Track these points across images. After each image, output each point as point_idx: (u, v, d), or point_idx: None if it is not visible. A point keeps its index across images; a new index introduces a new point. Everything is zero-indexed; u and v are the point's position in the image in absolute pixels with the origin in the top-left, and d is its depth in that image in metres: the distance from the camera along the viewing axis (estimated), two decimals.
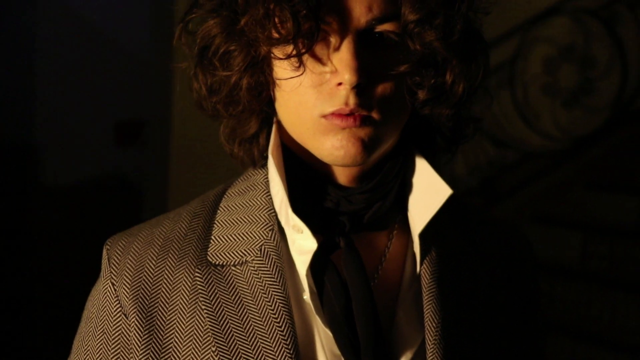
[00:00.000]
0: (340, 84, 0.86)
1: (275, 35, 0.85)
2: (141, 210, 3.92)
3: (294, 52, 0.85)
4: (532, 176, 4.46)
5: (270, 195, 0.96)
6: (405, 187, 0.97)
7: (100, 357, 0.95)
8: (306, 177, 0.94)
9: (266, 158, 0.99)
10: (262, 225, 0.95)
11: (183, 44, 0.95)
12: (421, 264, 0.96)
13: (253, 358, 0.89)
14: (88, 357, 0.96)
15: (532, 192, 4.41)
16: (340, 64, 0.85)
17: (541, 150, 4.47)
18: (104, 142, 5.29)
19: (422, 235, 0.95)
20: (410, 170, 0.97)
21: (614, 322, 3.53)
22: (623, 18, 4.56)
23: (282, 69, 0.88)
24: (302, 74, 0.87)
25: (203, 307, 0.92)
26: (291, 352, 0.89)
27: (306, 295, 0.93)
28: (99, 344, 0.95)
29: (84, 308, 1.01)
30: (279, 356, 0.89)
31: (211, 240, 0.96)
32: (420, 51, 0.88)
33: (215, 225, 0.97)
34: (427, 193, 0.95)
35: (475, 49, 0.92)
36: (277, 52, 0.87)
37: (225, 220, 0.97)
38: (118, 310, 0.94)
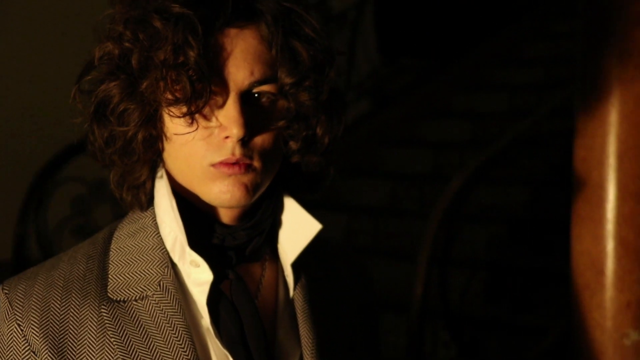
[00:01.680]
0: (227, 137, 0.97)
1: (171, 97, 0.96)
2: None
3: (191, 110, 0.96)
4: None
5: (160, 236, 1.06)
6: (275, 223, 1.09)
7: None
8: (194, 217, 1.04)
9: (151, 202, 1.08)
10: (157, 263, 1.05)
11: (78, 102, 1.03)
12: (294, 290, 1.09)
13: None
14: None
15: None
16: (226, 120, 0.97)
17: None
18: None
19: (294, 265, 1.08)
20: (280, 208, 1.09)
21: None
22: None
23: (175, 125, 0.99)
24: (195, 129, 0.98)
25: (112, 340, 1.01)
26: None
27: (205, 322, 1.03)
28: None
29: None
30: None
31: (109, 279, 1.05)
32: (294, 109, 1.02)
33: (110, 266, 1.06)
34: (297, 228, 1.08)
35: (338, 106, 1.06)
36: (174, 110, 0.97)
37: (119, 260, 1.06)
38: (26, 348, 1.01)
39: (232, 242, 1.05)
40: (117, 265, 1.06)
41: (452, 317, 3.10)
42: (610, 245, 1.91)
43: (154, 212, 1.08)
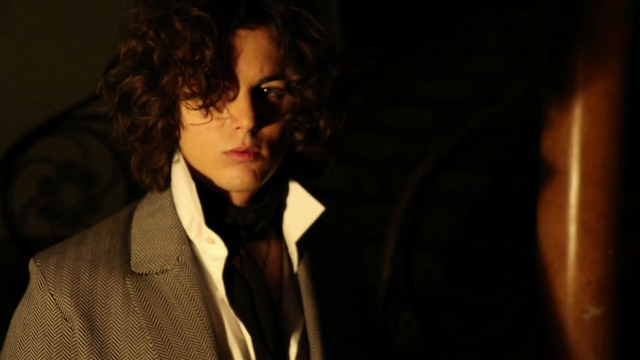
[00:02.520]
0: (238, 128, 1.07)
1: (188, 91, 1.06)
2: None
3: (206, 103, 1.06)
4: None
5: (177, 215, 1.16)
6: (280, 206, 1.19)
7: (42, 355, 1.11)
8: (209, 199, 1.13)
9: (168, 184, 1.18)
10: (176, 240, 1.14)
11: (104, 92, 1.13)
12: (298, 266, 1.20)
13: (182, 346, 1.10)
14: (29, 356, 1.11)
15: None
16: (238, 112, 1.07)
17: None
18: None
19: (298, 243, 1.18)
20: (285, 192, 1.19)
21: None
22: None
23: (192, 116, 1.09)
24: (210, 120, 1.08)
25: (136, 308, 1.11)
26: (212, 339, 1.10)
27: (220, 293, 1.14)
28: (40, 345, 1.11)
29: (13, 320, 1.16)
30: (203, 343, 1.10)
31: (132, 255, 1.14)
32: (300, 103, 1.12)
33: (132, 242, 1.16)
34: (301, 210, 1.18)
35: (340, 101, 1.16)
36: (191, 103, 1.07)
37: (140, 237, 1.16)
38: (58, 315, 1.11)
39: (243, 221, 1.15)
40: (138, 242, 1.15)
41: (415, 299, 3.20)
42: (572, 229, 2.05)
43: (170, 193, 1.17)
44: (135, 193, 4.47)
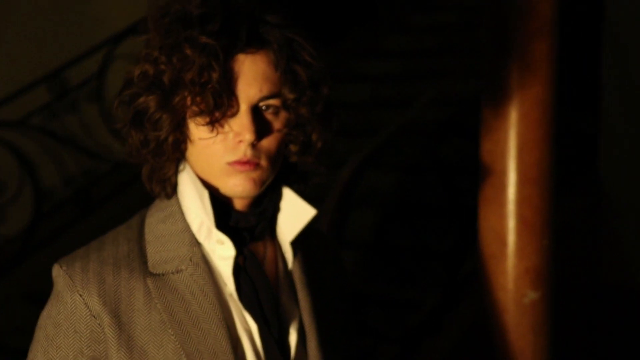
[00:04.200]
0: (240, 141, 1.21)
1: (197, 109, 1.19)
2: None
3: (212, 120, 1.20)
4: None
5: (186, 221, 1.28)
6: (275, 210, 1.32)
7: (74, 350, 1.22)
8: (215, 205, 1.26)
9: (174, 192, 1.30)
10: (187, 243, 1.27)
11: (120, 111, 1.26)
12: (292, 263, 1.34)
13: (201, 336, 1.22)
14: (61, 352, 1.22)
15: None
16: (240, 127, 1.20)
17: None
18: None
19: (291, 243, 1.32)
20: (280, 197, 1.32)
21: None
22: None
23: (199, 131, 1.22)
24: (215, 135, 1.21)
25: (158, 305, 1.22)
26: (226, 329, 1.23)
27: (229, 289, 1.26)
28: (72, 341, 1.22)
29: (42, 320, 1.26)
30: (219, 333, 1.22)
31: (148, 258, 1.26)
32: (295, 119, 1.26)
33: (147, 246, 1.27)
34: (295, 213, 1.31)
35: (330, 117, 1.31)
36: (199, 120, 1.20)
37: (154, 242, 1.28)
38: (87, 313, 1.21)
39: (245, 224, 1.28)
40: (153, 246, 1.27)
41: None
42: (512, 222, 2.25)
43: (178, 200, 1.29)
44: (44, 200, 4.43)
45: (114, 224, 1.36)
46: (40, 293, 1.90)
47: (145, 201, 1.37)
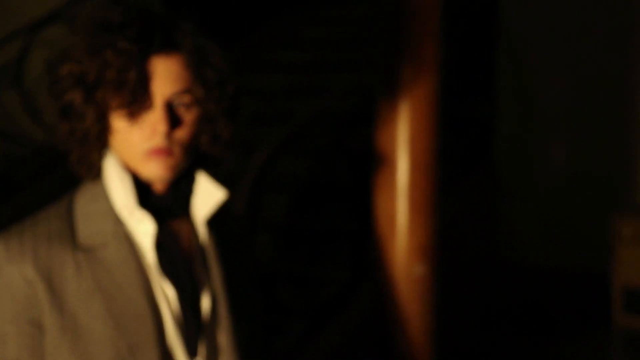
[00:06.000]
0: (155, 131, 1.39)
1: (117, 103, 1.37)
2: None
3: (131, 113, 1.38)
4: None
5: (110, 201, 1.45)
6: (190, 192, 1.50)
7: (12, 313, 1.39)
8: (136, 187, 1.44)
9: (99, 175, 1.46)
10: (112, 221, 1.44)
11: (50, 104, 1.42)
12: (204, 239, 1.51)
13: (125, 301, 1.40)
14: (6, 315, 1.39)
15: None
16: (155, 119, 1.38)
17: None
18: None
19: (204, 222, 1.49)
20: (193, 181, 1.50)
21: None
22: None
23: (119, 123, 1.40)
24: (134, 126, 1.39)
25: (88, 275, 1.40)
26: (147, 297, 1.41)
27: (150, 261, 1.44)
28: (10, 305, 1.39)
29: None
30: (140, 299, 1.40)
31: (78, 233, 1.43)
32: (204, 113, 1.45)
33: (76, 223, 1.44)
34: (207, 195, 1.48)
35: (237, 111, 1.50)
36: (119, 112, 1.38)
37: (83, 219, 1.45)
38: (23, 281, 1.39)
39: (163, 204, 1.46)
40: (82, 223, 1.44)
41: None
42: (402, 205, 2.52)
43: (102, 182, 1.47)
44: None
45: (34, 208, 1.50)
46: None
47: (65, 186, 1.52)
